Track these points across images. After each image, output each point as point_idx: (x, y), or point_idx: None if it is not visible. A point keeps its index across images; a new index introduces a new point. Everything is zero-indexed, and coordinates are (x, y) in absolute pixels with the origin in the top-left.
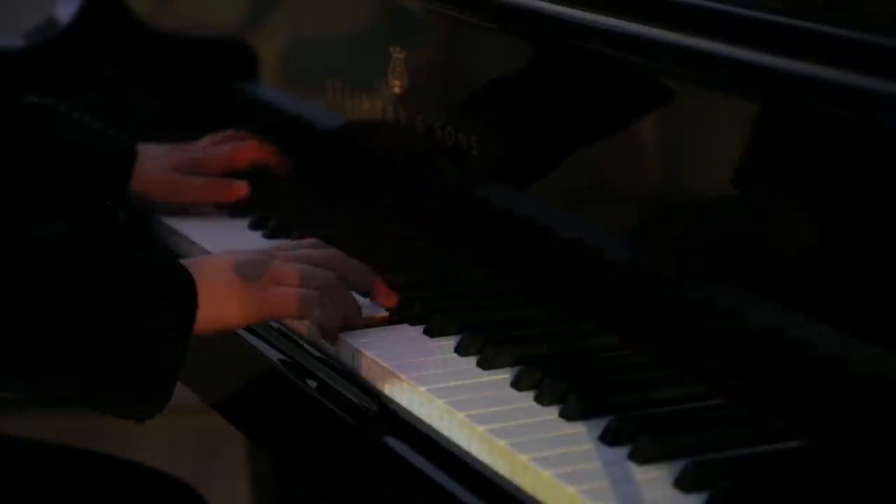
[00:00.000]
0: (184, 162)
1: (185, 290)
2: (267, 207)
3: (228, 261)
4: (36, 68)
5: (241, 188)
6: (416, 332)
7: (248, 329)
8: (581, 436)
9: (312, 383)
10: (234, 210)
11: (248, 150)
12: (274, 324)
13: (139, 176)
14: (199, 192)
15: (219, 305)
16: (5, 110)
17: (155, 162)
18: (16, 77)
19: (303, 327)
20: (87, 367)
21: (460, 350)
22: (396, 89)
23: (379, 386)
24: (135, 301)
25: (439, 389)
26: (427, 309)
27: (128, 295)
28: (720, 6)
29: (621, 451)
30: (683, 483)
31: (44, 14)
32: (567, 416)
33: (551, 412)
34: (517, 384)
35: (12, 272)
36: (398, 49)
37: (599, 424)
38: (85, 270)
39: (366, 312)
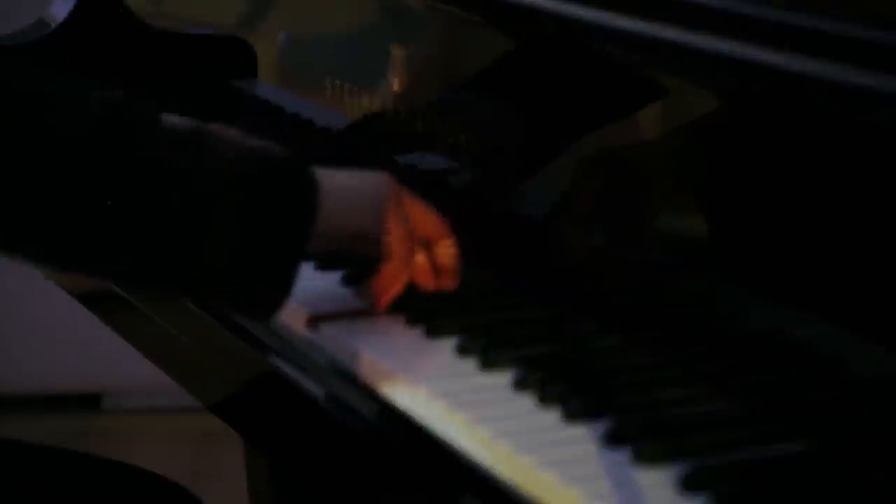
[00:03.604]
0: None
1: (310, 185)
2: None
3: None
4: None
5: None
6: (416, 332)
7: (245, 330)
8: (582, 437)
9: (311, 385)
10: None
11: None
12: (272, 325)
13: None
14: None
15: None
16: None
17: None
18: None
19: (301, 328)
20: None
21: (461, 351)
22: (396, 88)
23: (378, 387)
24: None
25: (439, 390)
26: (427, 309)
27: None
28: (720, 6)
29: (623, 453)
30: (685, 485)
31: (39, 12)
32: (568, 417)
33: (553, 413)
34: (518, 385)
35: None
36: (398, 48)
37: (601, 426)
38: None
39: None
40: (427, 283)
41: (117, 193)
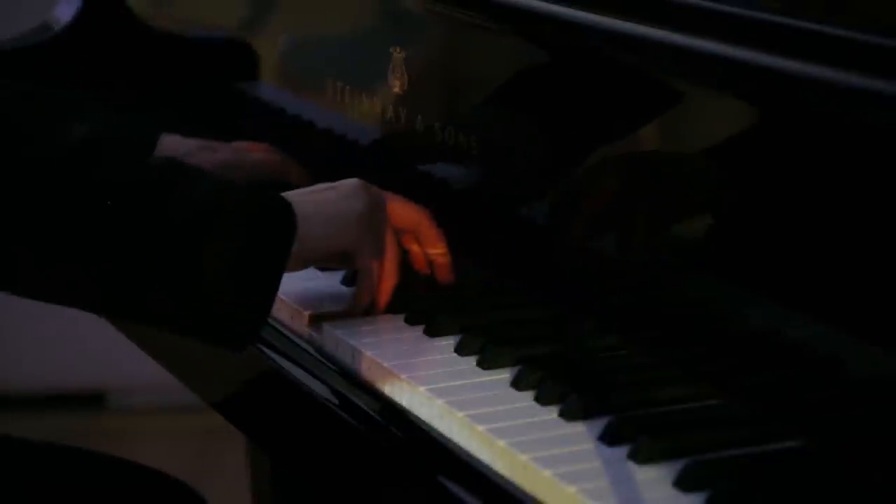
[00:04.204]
0: (210, 162)
1: (284, 212)
2: None
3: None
4: (35, 69)
5: None
6: (416, 332)
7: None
8: (581, 435)
9: (312, 383)
10: None
11: (278, 164)
12: (273, 324)
13: None
14: None
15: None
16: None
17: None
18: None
19: (303, 328)
20: (191, 279)
21: (460, 350)
22: (396, 89)
23: (379, 386)
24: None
25: (439, 389)
26: (427, 309)
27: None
28: (720, 6)
29: (621, 451)
30: (683, 483)
31: (43, 15)
32: (567, 415)
33: (551, 412)
34: (517, 384)
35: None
36: (398, 49)
37: (599, 424)
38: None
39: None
40: (421, 268)
41: (90, 224)
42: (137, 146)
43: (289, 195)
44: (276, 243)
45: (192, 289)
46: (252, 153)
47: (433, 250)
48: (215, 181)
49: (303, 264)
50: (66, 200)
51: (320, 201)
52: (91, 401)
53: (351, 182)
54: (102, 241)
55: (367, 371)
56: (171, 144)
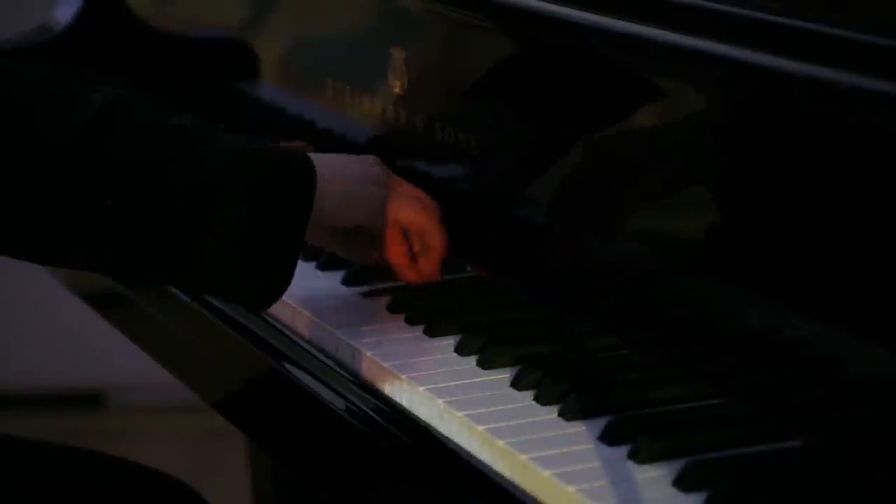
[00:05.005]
0: None
1: (306, 173)
2: None
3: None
4: None
5: None
6: (416, 332)
7: (248, 329)
8: (580, 435)
9: (312, 383)
10: None
11: None
12: (274, 323)
13: None
14: None
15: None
16: None
17: None
18: None
19: (303, 327)
20: (212, 247)
21: (460, 350)
22: (396, 89)
23: (379, 386)
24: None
25: (439, 389)
26: (427, 309)
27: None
28: (720, 6)
29: (621, 451)
30: (683, 482)
31: (43, 15)
32: (566, 415)
33: (551, 412)
34: (517, 384)
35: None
36: (398, 49)
37: (599, 424)
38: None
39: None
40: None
41: (114, 188)
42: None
43: (312, 156)
44: (296, 203)
45: (214, 250)
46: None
47: (429, 252)
48: (233, 141)
49: (320, 231)
50: (88, 165)
51: (340, 165)
52: (91, 401)
53: (365, 157)
54: (125, 208)
55: (367, 371)
56: None
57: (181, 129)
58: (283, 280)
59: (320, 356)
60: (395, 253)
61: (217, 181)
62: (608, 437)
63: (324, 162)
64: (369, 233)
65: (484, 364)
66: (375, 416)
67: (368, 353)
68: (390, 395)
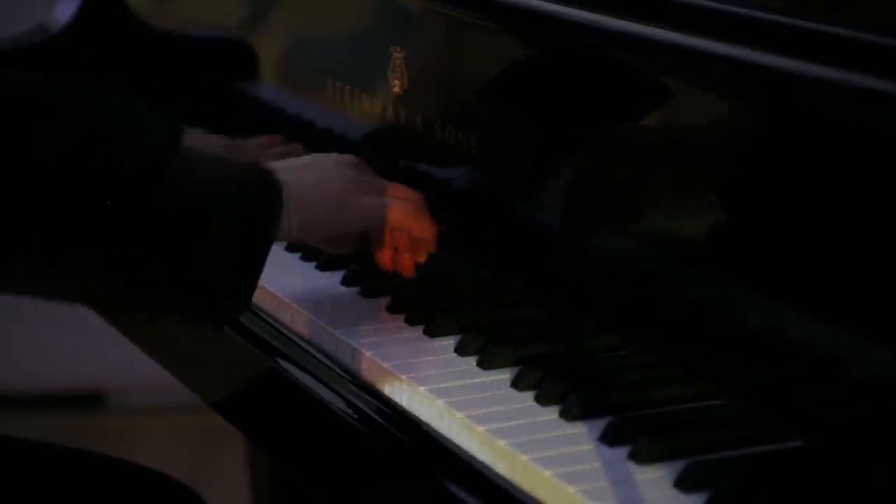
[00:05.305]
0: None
1: (271, 193)
2: None
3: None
4: (35, 69)
5: None
6: (416, 332)
7: (247, 329)
8: (581, 436)
9: (312, 383)
10: None
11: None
12: (273, 324)
13: None
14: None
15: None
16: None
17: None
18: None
19: (303, 327)
20: (172, 268)
21: (460, 350)
22: (396, 89)
23: (379, 386)
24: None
25: (439, 389)
26: (427, 309)
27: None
28: (720, 6)
29: (621, 452)
30: (683, 483)
31: (43, 15)
32: (567, 416)
33: (551, 412)
34: (517, 384)
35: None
36: (398, 49)
37: (599, 424)
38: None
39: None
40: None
41: (91, 200)
42: (159, 146)
43: (279, 174)
44: (262, 226)
45: (178, 270)
46: (273, 148)
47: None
48: (205, 162)
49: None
50: (69, 178)
51: (316, 177)
52: (91, 401)
53: (346, 159)
54: (100, 220)
55: (367, 371)
56: (196, 143)
57: (150, 148)
58: (244, 300)
59: (320, 356)
60: (382, 256)
61: (185, 201)
62: (609, 438)
63: (301, 177)
64: (350, 235)
65: (484, 364)
66: (375, 417)
67: (368, 353)
68: (390, 396)
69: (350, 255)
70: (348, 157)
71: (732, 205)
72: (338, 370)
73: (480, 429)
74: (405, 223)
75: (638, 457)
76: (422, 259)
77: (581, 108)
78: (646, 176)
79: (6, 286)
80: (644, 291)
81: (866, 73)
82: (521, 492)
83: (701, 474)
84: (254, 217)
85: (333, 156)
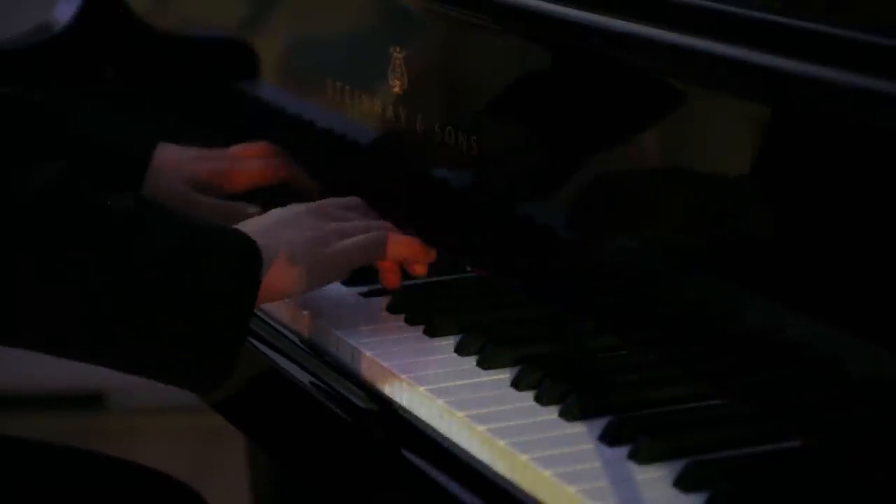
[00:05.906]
0: (208, 172)
1: (250, 261)
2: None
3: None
4: (35, 69)
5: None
6: (416, 332)
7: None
8: (581, 435)
9: (312, 383)
10: None
11: (278, 168)
12: (273, 324)
13: (151, 184)
14: (209, 214)
15: (284, 275)
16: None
17: (172, 171)
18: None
19: (303, 327)
20: (152, 336)
21: (460, 350)
22: (396, 89)
23: (379, 386)
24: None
25: (439, 389)
26: (427, 309)
27: (193, 266)
28: (720, 6)
29: (621, 451)
30: (683, 483)
31: (43, 15)
32: (567, 415)
33: (551, 412)
34: (517, 384)
35: (87, 241)
36: (398, 49)
37: (599, 424)
38: (152, 241)
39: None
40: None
41: (54, 268)
42: (130, 162)
43: (264, 231)
44: (242, 289)
45: (157, 336)
46: (250, 160)
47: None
48: (178, 226)
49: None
50: (29, 246)
51: (290, 237)
52: (91, 401)
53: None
54: (66, 287)
55: (367, 371)
56: (169, 154)
57: (124, 211)
58: (227, 368)
59: (320, 356)
60: (385, 280)
61: (149, 285)
62: (609, 438)
63: (277, 237)
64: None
65: (484, 364)
66: (375, 416)
67: (368, 353)
68: (390, 396)
69: None
70: (303, 207)
71: (732, 205)
72: (338, 370)
73: (480, 428)
74: (395, 252)
75: (638, 456)
76: (422, 271)
77: (581, 109)
78: (645, 176)
79: None
80: (644, 292)
81: (865, 74)
82: (521, 491)
83: (701, 474)
84: (233, 282)
85: (291, 207)
